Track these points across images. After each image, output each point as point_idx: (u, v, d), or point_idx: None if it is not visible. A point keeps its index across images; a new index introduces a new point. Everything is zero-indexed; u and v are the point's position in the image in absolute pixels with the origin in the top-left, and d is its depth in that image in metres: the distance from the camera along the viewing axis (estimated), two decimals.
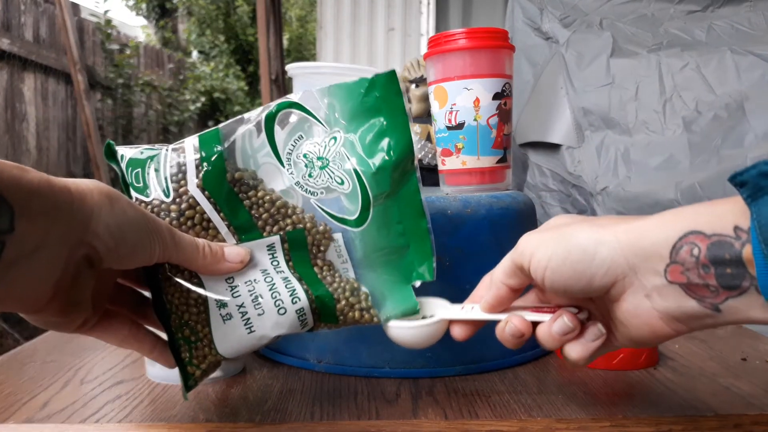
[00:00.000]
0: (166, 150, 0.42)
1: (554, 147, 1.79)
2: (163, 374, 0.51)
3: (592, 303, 0.40)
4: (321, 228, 0.44)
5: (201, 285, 0.42)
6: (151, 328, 0.44)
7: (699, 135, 1.37)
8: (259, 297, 0.42)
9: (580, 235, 0.36)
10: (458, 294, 0.45)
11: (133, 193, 0.42)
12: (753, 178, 0.31)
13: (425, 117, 0.85)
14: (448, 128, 0.61)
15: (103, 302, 0.40)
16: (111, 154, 0.44)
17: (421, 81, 0.86)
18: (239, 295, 0.42)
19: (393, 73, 0.44)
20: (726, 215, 0.32)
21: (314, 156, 0.44)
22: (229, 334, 0.42)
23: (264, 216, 0.43)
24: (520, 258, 0.39)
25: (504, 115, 0.61)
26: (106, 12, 4.55)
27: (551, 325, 0.38)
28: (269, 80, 3.37)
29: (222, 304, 0.41)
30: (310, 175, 0.43)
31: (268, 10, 3.33)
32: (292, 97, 0.44)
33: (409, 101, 0.86)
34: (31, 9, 3.76)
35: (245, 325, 0.42)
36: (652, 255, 0.34)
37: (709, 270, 0.32)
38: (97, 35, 4.46)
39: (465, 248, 0.53)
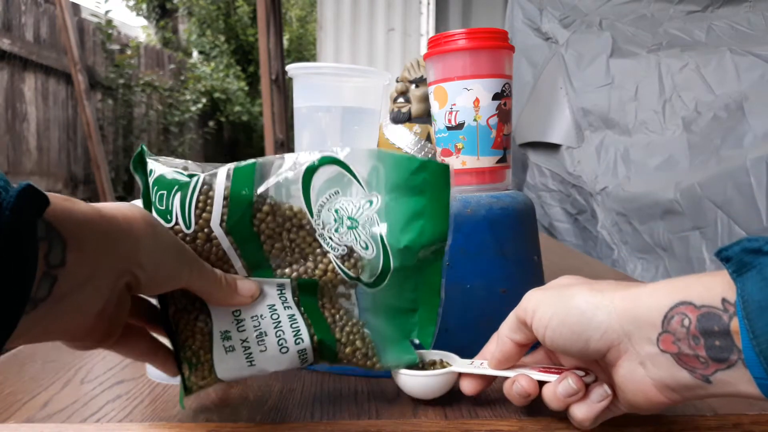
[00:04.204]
0: (196, 179, 0.41)
1: (554, 147, 1.79)
2: (163, 374, 0.51)
3: (597, 366, 0.41)
4: (339, 279, 0.43)
5: (207, 316, 0.42)
6: (162, 339, 0.44)
7: (699, 135, 1.37)
8: (264, 334, 0.42)
9: (579, 298, 0.38)
10: (458, 293, 0.45)
11: (154, 213, 0.41)
12: (737, 255, 0.33)
13: (425, 117, 0.85)
14: (448, 128, 0.61)
15: (125, 318, 0.40)
16: (140, 162, 0.43)
17: (421, 81, 0.86)
18: (244, 330, 0.42)
19: (447, 166, 0.43)
20: (715, 287, 0.33)
21: (346, 214, 0.43)
22: (230, 364, 0.42)
23: (283, 264, 0.43)
24: (524, 314, 0.40)
25: (504, 115, 0.61)
26: (106, 12, 4.55)
27: (556, 387, 0.40)
28: (269, 80, 3.37)
29: (226, 336, 0.42)
30: (336, 230, 0.43)
31: (268, 10, 3.33)
32: (338, 153, 0.43)
33: (409, 101, 0.86)
34: (31, 9, 3.76)
35: (246, 358, 0.42)
36: (645, 323, 0.35)
37: (699, 341, 0.33)
38: (97, 35, 4.46)
39: (465, 248, 0.53)
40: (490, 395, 0.48)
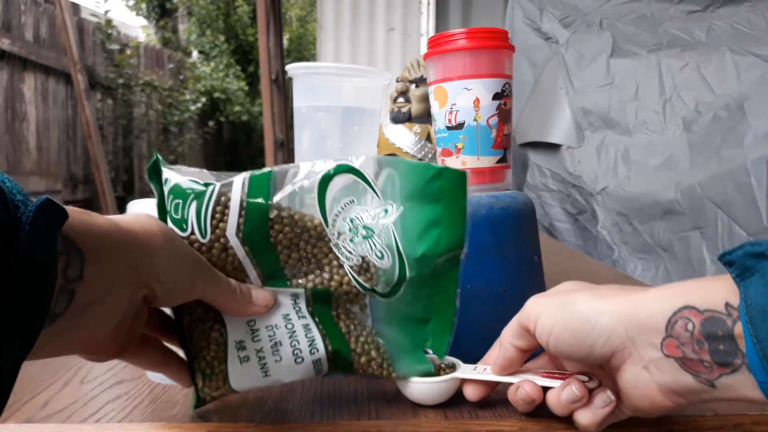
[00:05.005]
0: (212, 188, 0.41)
1: (554, 147, 1.79)
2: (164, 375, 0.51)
3: (601, 370, 0.41)
4: (354, 291, 0.43)
5: (222, 326, 0.42)
6: (175, 349, 0.44)
7: (699, 135, 1.37)
8: (279, 344, 0.42)
9: (582, 303, 0.38)
10: (459, 293, 0.45)
11: (169, 223, 0.41)
12: (740, 259, 0.33)
13: (425, 117, 0.85)
14: (448, 128, 0.61)
15: (141, 331, 0.40)
16: (155, 171, 0.43)
17: (421, 81, 0.86)
18: (259, 340, 0.42)
19: (463, 173, 0.43)
20: (718, 292, 0.33)
21: (361, 224, 0.42)
22: (245, 374, 0.42)
23: (298, 274, 0.43)
24: (526, 321, 0.40)
25: (504, 115, 0.61)
26: (106, 12, 4.55)
27: (560, 393, 0.40)
28: (269, 80, 3.37)
29: (241, 346, 0.42)
30: (351, 240, 0.42)
31: (268, 10, 3.33)
32: (354, 162, 0.43)
33: (409, 101, 0.86)
34: (31, 9, 3.76)
35: (261, 368, 0.42)
36: (649, 328, 0.35)
37: (703, 345, 0.33)
38: (97, 35, 4.46)
39: (465, 248, 0.53)
40: (490, 396, 0.48)
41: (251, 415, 0.44)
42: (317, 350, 0.42)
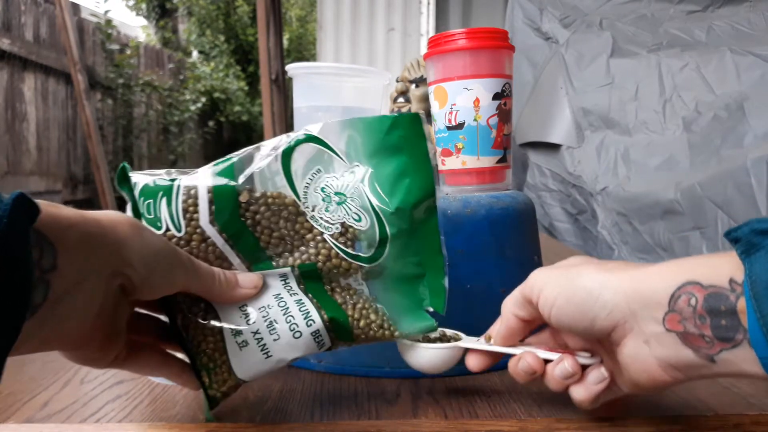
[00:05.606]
0: (179, 182, 0.41)
1: (554, 147, 1.79)
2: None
3: (601, 346, 0.41)
4: (344, 265, 0.43)
5: (215, 316, 0.42)
6: (176, 354, 0.44)
7: (699, 135, 1.37)
8: (274, 322, 0.42)
9: (587, 277, 0.38)
10: (459, 294, 0.45)
11: (145, 224, 0.41)
12: (746, 235, 0.33)
13: (425, 117, 0.86)
14: (448, 128, 0.61)
15: (126, 333, 0.40)
16: (124, 179, 0.43)
17: (421, 81, 0.86)
18: (254, 322, 0.42)
19: (417, 115, 0.44)
20: (722, 267, 0.33)
21: (332, 191, 0.43)
22: (247, 360, 0.42)
23: (282, 253, 0.43)
24: (530, 292, 0.41)
25: (504, 115, 0.61)
26: (106, 12, 4.55)
27: (554, 369, 0.40)
28: (269, 80, 3.37)
29: (237, 333, 0.42)
30: (326, 210, 0.43)
31: (268, 10, 3.33)
32: (312, 129, 0.43)
33: (409, 101, 0.86)
34: (31, 9, 3.76)
35: (261, 350, 0.42)
36: (652, 302, 0.35)
37: (705, 320, 0.33)
38: (97, 35, 4.46)
39: (465, 248, 0.53)
40: (490, 395, 0.48)
41: (251, 415, 0.44)
42: (313, 321, 0.42)
